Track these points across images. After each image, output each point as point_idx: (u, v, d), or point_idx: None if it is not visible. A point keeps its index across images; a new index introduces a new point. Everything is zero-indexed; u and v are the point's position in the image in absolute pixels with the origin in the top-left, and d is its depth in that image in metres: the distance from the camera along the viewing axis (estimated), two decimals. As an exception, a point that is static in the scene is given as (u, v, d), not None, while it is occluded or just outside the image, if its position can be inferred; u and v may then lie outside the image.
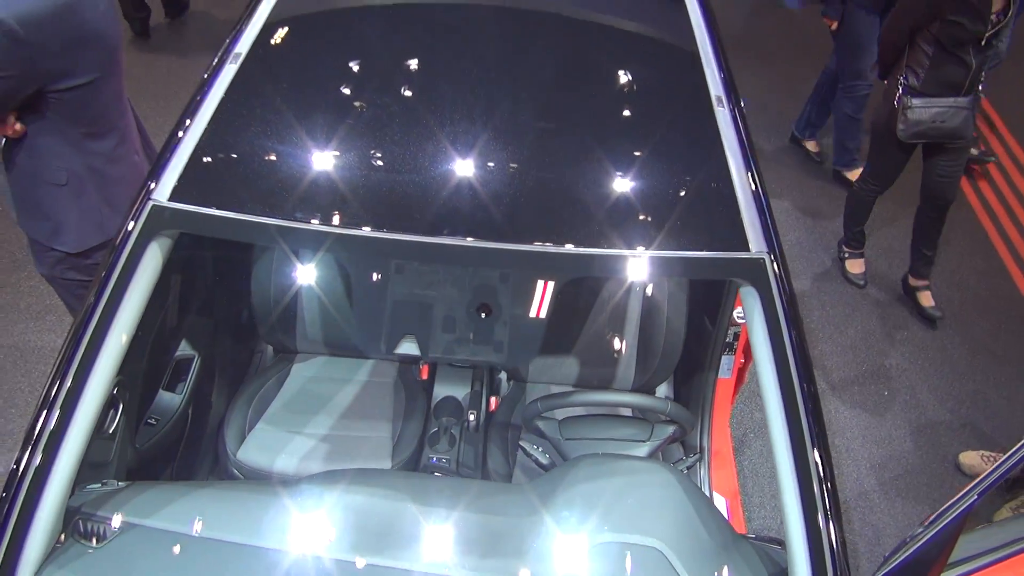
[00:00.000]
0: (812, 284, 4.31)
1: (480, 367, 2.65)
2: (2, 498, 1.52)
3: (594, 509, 1.69)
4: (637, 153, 1.86)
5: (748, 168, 1.84)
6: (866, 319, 4.11)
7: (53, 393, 1.57)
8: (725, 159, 1.84)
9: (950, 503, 1.64)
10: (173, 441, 2.27)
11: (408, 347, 2.57)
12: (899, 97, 3.55)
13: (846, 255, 4.32)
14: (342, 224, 1.66)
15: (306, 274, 2.58)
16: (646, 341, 2.60)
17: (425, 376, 2.68)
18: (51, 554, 1.51)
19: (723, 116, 1.94)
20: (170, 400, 2.28)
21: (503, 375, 2.79)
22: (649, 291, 2.59)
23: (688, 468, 2.26)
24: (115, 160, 2.55)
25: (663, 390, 2.82)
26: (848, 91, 4.59)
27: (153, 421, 2.20)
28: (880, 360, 3.89)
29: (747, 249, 1.70)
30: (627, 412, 2.47)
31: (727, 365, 2.57)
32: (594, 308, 2.61)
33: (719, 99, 1.98)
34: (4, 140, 2.44)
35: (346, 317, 2.62)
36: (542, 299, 2.56)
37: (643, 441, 2.10)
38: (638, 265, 1.67)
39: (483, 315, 2.54)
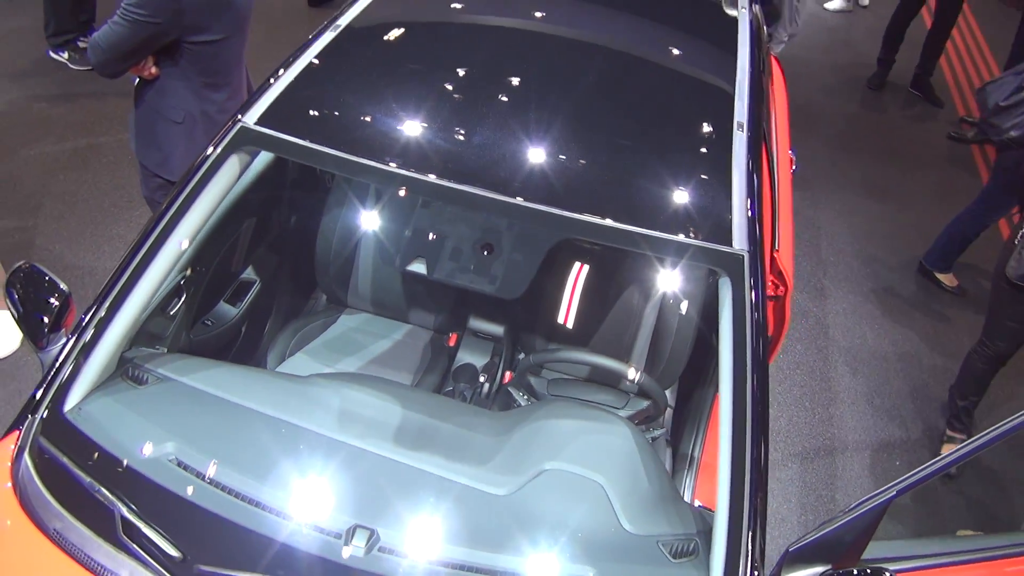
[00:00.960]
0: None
1: (502, 342, 2.91)
2: (74, 332, 1.88)
3: (552, 440, 1.92)
4: (656, 149, 2.14)
5: (749, 181, 2.06)
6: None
7: (128, 262, 1.94)
8: (730, 168, 2.08)
9: (876, 492, 1.79)
10: (221, 347, 2.62)
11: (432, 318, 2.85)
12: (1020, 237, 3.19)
13: (945, 437, 3.75)
14: (401, 165, 1.96)
15: (366, 237, 2.92)
16: (656, 345, 2.80)
17: (452, 344, 2.97)
18: (101, 385, 1.86)
19: (740, 139, 2.17)
20: (227, 311, 2.64)
21: (522, 354, 3.03)
22: (666, 299, 2.80)
23: (653, 438, 2.45)
24: (224, 110, 2.98)
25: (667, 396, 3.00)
26: (977, 215, 4.39)
27: (209, 323, 2.56)
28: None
29: (731, 245, 1.93)
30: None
31: None
32: (615, 305, 2.84)
33: (740, 125, 2.22)
34: (138, 79, 2.92)
35: (395, 283, 2.94)
36: (574, 286, 2.81)
37: (618, 408, 2.31)
38: (634, 239, 1.91)
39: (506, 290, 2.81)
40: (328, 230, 2.90)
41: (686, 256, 1.92)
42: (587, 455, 1.89)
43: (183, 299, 2.27)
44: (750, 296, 1.90)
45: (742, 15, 2.75)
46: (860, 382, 4.09)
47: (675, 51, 2.58)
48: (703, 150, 2.18)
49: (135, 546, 1.57)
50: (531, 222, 1.92)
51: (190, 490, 1.66)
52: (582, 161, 2.03)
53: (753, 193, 2.04)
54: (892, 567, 1.81)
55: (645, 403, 2.34)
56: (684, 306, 2.74)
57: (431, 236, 2.64)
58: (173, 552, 1.56)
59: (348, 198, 2.84)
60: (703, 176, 2.07)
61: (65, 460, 1.70)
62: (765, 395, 1.84)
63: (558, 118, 2.14)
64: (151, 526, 1.58)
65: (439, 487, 1.76)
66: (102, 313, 1.89)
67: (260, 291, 2.78)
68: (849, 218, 5.26)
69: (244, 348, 2.74)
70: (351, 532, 1.61)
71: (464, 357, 2.90)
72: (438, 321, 3.01)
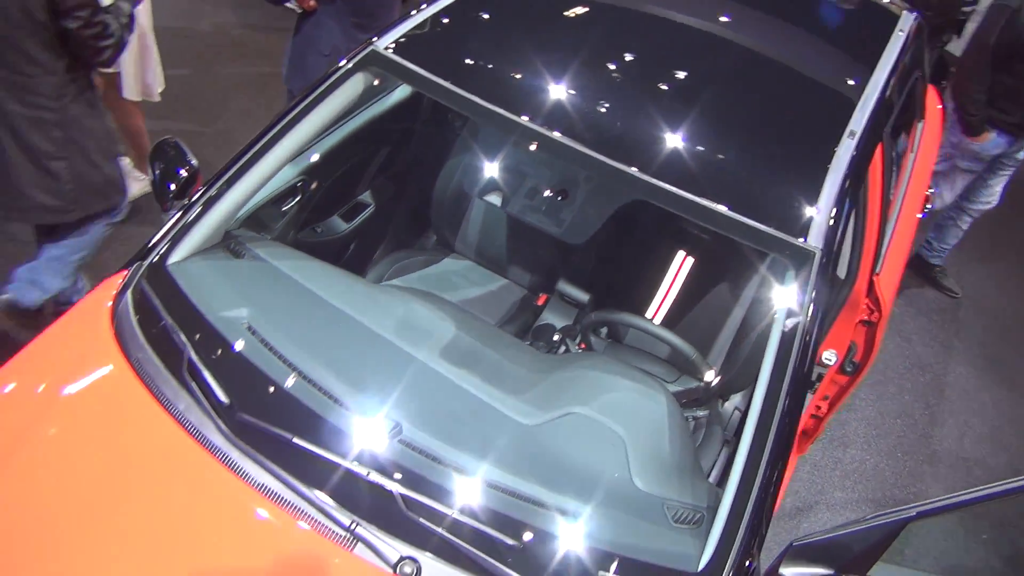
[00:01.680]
0: None
1: (586, 311, 2.98)
2: (191, 202, 2.14)
3: (588, 389, 1.99)
4: (759, 138, 2.16)
5: (843, 187, 2.03)
6: None
7: (244, 152, 2.18)
8: (826, 170, 2.05)
9: (897, 508, 1.73)
10: (324, 255, 2.85)
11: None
12: None
13: None
14: (515, 111, 2.08)
15: (483, 186, 3.06)
16: (735, 345, 2.78)
17: (540, 303, 3.06)
18: (203, 251, 2.10)
19: (847, 146, 2.13)
20: (337, 225, 2.85)
21: (604, 331, 3.09)
22: (757, 302, 2.76)
23: (694, 417, 2.44)
24: None
25: (736, 400, 2.96)
26: None
27: (318, 230, 2.78)
28: None
29: (805, 240, 1.92)
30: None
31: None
32: (704, 299, 2.83)
33: (852, 133, 2.18)
34: (300, 11, 3.29)
35: (500, 235, 3.07)
36: (673, 277, 2.86)
37: (669, 382, 2.33)
38: (712, 215, 1.94)
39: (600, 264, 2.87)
40: (448, 173, 3.06)
41: (758, 242, 1.93)
42: (616, 409, 1.93)
43: (297, 200, 2.50)
44: (810, 295, 1.88)
45: (897, 36, 2.67)
46: (966, 448, 3.84)
47: (814, 52, 2.55)
48: (806, 148, 2.16)
49: (193, 385, 1.78)
50: (616, 180, 1.98)
51: (250, 350, 1.86)
52: (685, 135, 2.08)
53: (842, 200, 2.00)
54: None
55: (694, 383, 2.35)
56: (776, 314, 2.70)
57: (521, 176, 2.76)
58: (223, 397, 1.75)
59: (473, 146, 2.99)
60: (797, 171, 2.07)
61: (157, 302, 1.94)
62: (798, 397, 1.82)
63: (674, 93, 2.20)
64: (210, 371, 1.79)
65: (469, 403, 1.86)
66: (213, 192, 2.13)
67: (373, 215, 2.98)
68: (1001, 284, 4.91)
69: (346, 264, 2.96)
70: (379, 418, 1.75)
71: (547, 318, 2.99)
72: (533, 280, 3.12)
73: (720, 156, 2.06)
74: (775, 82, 2.38)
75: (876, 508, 3.44)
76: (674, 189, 1.96)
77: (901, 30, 2.72)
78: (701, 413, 2.48)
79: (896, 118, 2.58)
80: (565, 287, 2.96)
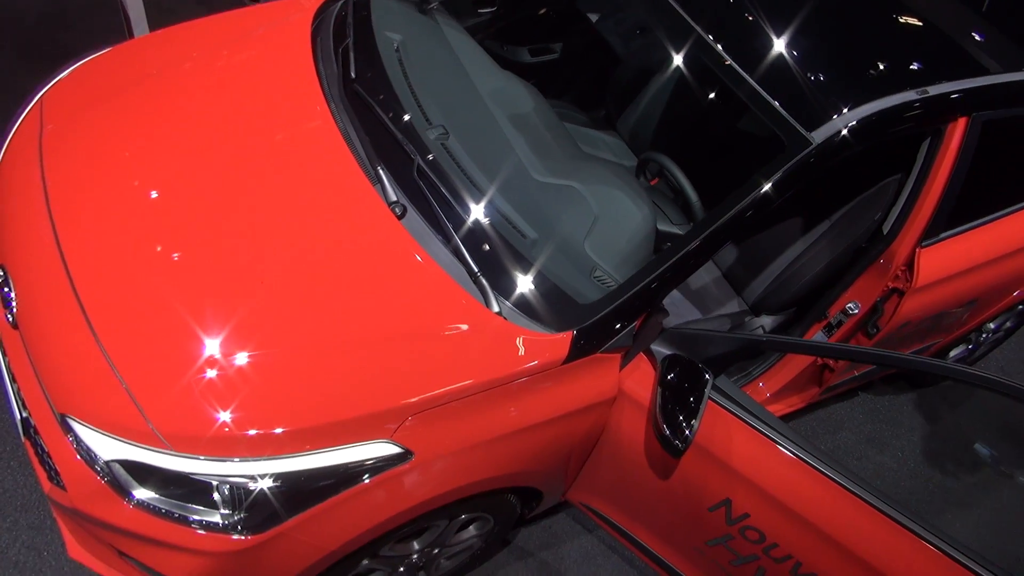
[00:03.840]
0: None
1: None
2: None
3: (594, 177, 2.47)
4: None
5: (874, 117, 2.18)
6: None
7: None
8: (870, 96, 2.21)
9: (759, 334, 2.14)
10: None
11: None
12: None
13: None
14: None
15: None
16: (788, 268, 2.82)
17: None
18: None
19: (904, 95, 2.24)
20: (522, 54, 3.31)
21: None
22: (824, 246, 2.74)
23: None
24: None
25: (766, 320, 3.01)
26: None
27: (504, 48, 3.23)
28: None
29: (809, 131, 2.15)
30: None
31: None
32: (783, 225, 2.95)
33: (924, 91, 2.26)
34: None
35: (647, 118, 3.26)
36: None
37: (674, 224, 2.88)
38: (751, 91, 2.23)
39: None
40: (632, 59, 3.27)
41: (772, 119, 2.17)
42: (605, 199, 2.41)
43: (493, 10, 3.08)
44: (785, 171, 2.07)
45: None
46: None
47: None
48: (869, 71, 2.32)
49: (340, 62, 2.46)
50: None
51: (387, 56, 2.45)
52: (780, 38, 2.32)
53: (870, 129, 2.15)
54: (720, 397, 2.06)
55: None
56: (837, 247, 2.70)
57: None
58: (352, 73, 2.38)
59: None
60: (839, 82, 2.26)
61: (350, 7, 2.60)
62: (736, 225, 2.09)
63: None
64: (355, 54, 2.42)
65: (504, 147, 2.42)
66: None
67: (556, 62, 3.39)
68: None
69: None
70: (437, 125, 2.32)
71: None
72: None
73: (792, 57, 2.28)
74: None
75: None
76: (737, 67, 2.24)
77: None
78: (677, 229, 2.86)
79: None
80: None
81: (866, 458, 3.46)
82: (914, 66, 2.34)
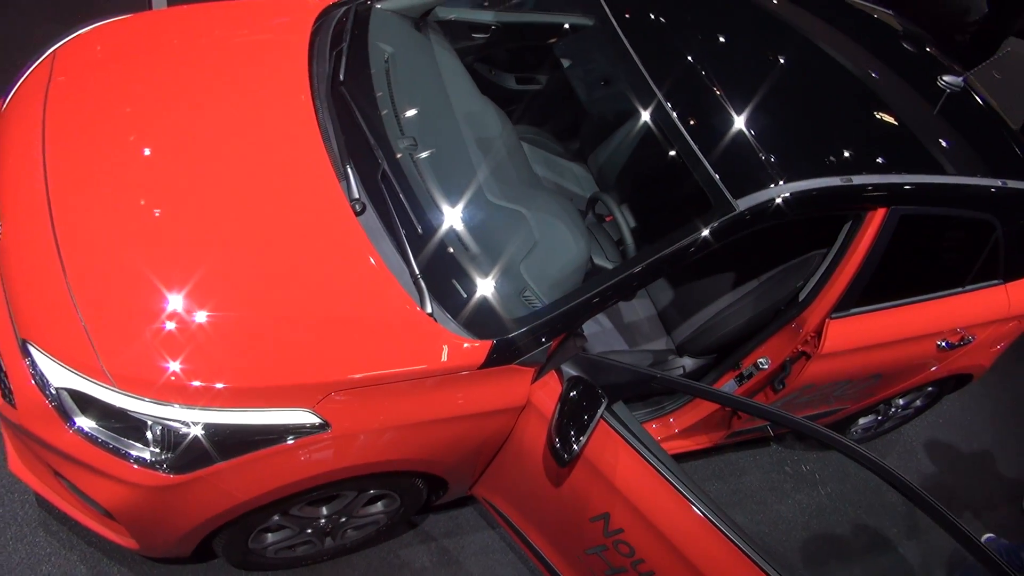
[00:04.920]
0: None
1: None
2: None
3: (542, 207, 2.70)
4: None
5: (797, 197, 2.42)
6: None
7: None
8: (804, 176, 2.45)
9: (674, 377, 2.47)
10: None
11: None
12: None
13: None
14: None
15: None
16: (717, 311, 3.08)
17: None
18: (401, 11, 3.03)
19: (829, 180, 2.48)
20: (507, 80, 3.59)
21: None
22: (759, 292, 2.98)
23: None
24: None
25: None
26: None
27: (492, 72, 3.55)
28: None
29: (736, 199, 2.39)
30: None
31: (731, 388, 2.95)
32: (725, 273, 3.17)
33: (849, 180, 2.49)
34: None
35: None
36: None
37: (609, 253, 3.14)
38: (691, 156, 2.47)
39: None
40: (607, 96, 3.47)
41: (705, 184, 2.39)
42: (547, 228, 2.64)
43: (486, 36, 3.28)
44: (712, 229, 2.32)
45: None
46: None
47: None
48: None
49: (333, 62, 2.69)
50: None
51: (376, 67, 2.69)
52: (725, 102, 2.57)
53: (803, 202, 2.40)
54: (615, 422, 2.29)
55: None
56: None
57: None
58: (341, 76, 2.62)
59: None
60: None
61: (351, 16, 2.88)
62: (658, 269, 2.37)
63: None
64: (346, 58, 2.67)
65: (469, 167, 2.64)
66: None
67: (538, 94, 3.62)
68: None
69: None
70: (409, 136, 2.55)
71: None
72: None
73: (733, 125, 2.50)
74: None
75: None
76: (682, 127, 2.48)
77: None
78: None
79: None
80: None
81: (765, 504, 3.69)
82: (847, 154, 2.56)
